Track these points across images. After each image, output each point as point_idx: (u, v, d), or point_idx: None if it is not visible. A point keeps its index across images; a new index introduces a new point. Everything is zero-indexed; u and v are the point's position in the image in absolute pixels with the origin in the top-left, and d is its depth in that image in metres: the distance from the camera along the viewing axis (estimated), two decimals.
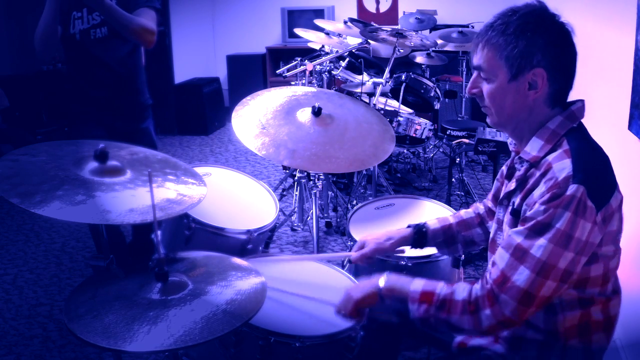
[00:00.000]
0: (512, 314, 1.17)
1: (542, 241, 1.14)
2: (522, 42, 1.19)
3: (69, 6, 2.32)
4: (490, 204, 1.58)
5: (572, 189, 1.12)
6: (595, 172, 1.17)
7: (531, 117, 1.25)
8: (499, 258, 1.20)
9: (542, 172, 1.19)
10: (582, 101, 1.26)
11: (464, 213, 1.63)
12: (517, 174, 1.29)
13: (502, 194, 1.37)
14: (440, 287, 1.27)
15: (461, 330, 1.25)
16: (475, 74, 1.30)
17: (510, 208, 1.28)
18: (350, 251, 1.89)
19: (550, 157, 1.20)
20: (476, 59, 1.27)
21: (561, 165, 1.16)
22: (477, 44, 1.27)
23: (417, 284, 1.30)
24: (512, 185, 1.30)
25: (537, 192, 1.18)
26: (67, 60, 2.50)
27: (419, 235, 1.62)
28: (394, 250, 1.65)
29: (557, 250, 1.13)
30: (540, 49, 1.19)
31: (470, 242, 1.61)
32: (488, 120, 1.32)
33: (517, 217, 1.23)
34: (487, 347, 1.37)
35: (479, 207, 1.62)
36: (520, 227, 1.18)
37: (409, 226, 1.65)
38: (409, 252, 1.71)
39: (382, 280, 1.36)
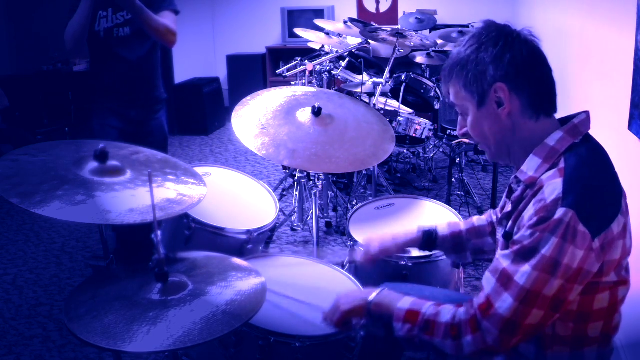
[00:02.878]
0: (494, 343, 1.11)
1: (526, 268, 1.08)
2: (472, 64, 1.16)
3: (96, 5, 2.44)
4: (500, 214, 1.55)
5: (560, 212, 1.05)
6: (590, 194, 1.08)
7: (516, 136, 1.19)
8: (485, 282, 1.16)
9: (533, 193, 1.13)
10: (586, 112, 1.19)
11: (477, 220, 1.57)
12: (514, 195, 1.24)
13: (501, 214, 1.32)
14: (427, 307, 1.21)
15: (444, 354, 1.19)
16: (459, 116, 1.27)
17: (502, 230, 1.24)
18: (350, 250, 1.89)
19: (544, 177, 1.13)
20: (450, 98, 1.26)
21: (552, 187, 1.09)
22: (444, 84, 1.25)
23: (405, 302, 1.25)
24: (509, 207, 1.25)
25: (526, 214, 1.12)
26: (90, 56, 2.66)
27: (428, 240, 1.59)
28: (399, 251, 1.63)
29: (542, 277, 1.06)
30: (490, 63, 1.14)
31: (479, 251, 1.56)
32: (487, 156, 1.29)
33: (508, 240, 1.18)
34: None
35: (493, 215, 1.56)
36: (507, 251, 1.13)
37: (419, 229, 1.61)
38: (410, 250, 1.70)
39: (373, 295, 1.31)
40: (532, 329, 1.10)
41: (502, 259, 1.13)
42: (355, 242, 1.90)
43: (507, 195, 1.32)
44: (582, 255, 1.06)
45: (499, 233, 1.31)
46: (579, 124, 1.18)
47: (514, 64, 1.14)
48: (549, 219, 1.06)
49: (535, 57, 1.17)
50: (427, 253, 1.72)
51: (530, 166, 1.17)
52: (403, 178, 4.50)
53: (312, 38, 4.05)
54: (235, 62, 6.82)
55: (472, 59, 1.16)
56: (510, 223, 1.20)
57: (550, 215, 1.06)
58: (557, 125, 1.20)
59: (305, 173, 3.38)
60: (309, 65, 3.39)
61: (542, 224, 1.07)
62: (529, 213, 1.11)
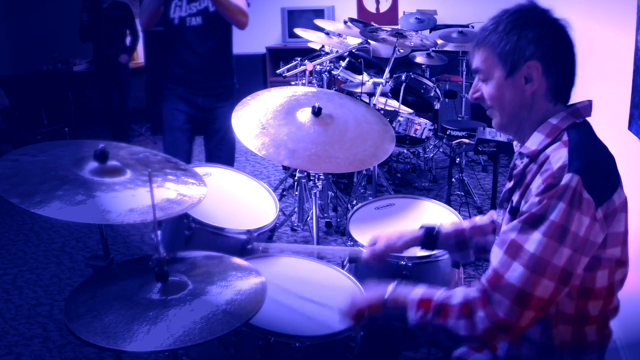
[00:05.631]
0: (506, 315, 1.11)
1: (536, 235, 1.09)
2: (514, 37, 1.19)
3: None
4: (498, 210, 1.55)
5: (566, 178, 1.09)
6: (593, 163, 1.12)
7: (532, 114, 1.24)
8: (493, 256, 1.17)
9: (539, 165, 1.17)
10: (589, 101, 1.24)
11: (479, 219, 1.59)
12: (516, 170, 1.27)
13: (501, 196, 1.34)
14: (439, 293, 1.22)
15: (458, 338, 1.18)
16: (476, 78, 1.30)
17: (509, 206, 1.26)
18: (350, 250, 1.89)
19: (548, 150, 1.17)
20: (474, 63, 1.28)
21: (557, 155, 1.13)
22: (473, 47, 1.28)
23: (417, 292, 1.26)
24: (511, 182, 1.28)
25: (534, 186, 1.15)
26: (164, 42, 2.84)
27: (429, 237, 1.58)
28: (403, 250, 1.61)
29: (552, 244, 1.08)
30: (532, 41, 1.19)
31: (482, 249, 1.56)
32: (493, 123, 1.31)
33: (515, 215, 1.19)
34: None
35: (494, 215, 1.56)
36: (514, 222, 1.15)
37: (421, 227, 1.61)
38: (410, 251, 1.69)
39: (389, 290, 1.31)
40: (543, 302, 1.10)
41: (509, 231, 1.15)
42: (355, 242, 1.90)
43: (508, 177, 1.35)
44: (588, 223, 1.08)
45: (500, 216, 1.33)
46: (581, 108, 1.23)
47: (553, 49, 1.19)
48: (556, 185, 1.09)
49: (571, 48, 1.22)
50: (427, 253, 1.72)
51: (533, 141, 1.23)
52: (403, 178, 4.50)
53: (312, 38, 4.05)
54: (235, 62, 6.80)
55: (514, 32, 1.20)
56: (517, 197, 1.22)
57: (557, 181, 1.09)
58: (562, 107, 1.24)
59: (305, 173, 3.38)
60: (309, 65, 3.39)
61: (550, 191, 1.10)
62: (537, 184, 1.14)
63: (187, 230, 1.82)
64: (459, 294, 1.19)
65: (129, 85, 5.70)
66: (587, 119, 1.24)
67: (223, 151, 2.95)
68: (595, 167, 1.12)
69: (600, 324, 1.20)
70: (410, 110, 3.93)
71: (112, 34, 5.45)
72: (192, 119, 2.87)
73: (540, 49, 1.19)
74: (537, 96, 1.22)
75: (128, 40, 5.64)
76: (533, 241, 1.10)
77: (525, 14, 1.21)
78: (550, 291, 1.10)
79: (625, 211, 1.17)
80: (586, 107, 1.23)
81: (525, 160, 1.24)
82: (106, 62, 5.48)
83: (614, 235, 1.15)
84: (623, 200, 1.16)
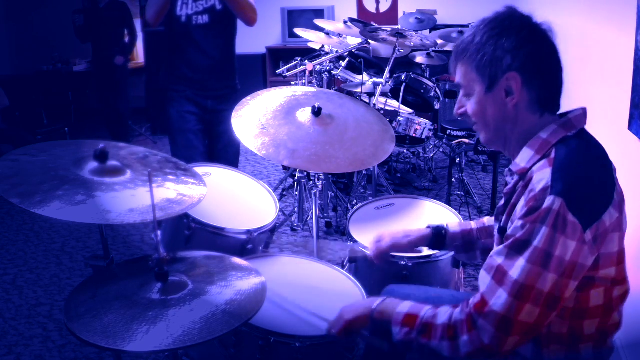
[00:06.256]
0: (490, 342, 1.09)
1: (520, 261, 1.06)
2: (490, 48, 1.15)
3: None
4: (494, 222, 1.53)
5: (548, 201, 1.04)
6: (579, 183, 1.06)
7: (517, 128, 1.19)
8: (481, 281, 1.14)
9: (525, 184, 1.12)
10: (582, 109, 1.19)
11: (487, 220, 1.56)
12: (506, 188, 1.23)
13: (496, 209, 1.31)
14: (425, 311, 1.20)
15: (442, 357, 1.16)
16: (460, 93, 1.26)
17: (497, 225, 1.24)
18: (350, 250, 1.89)
19: (535, 168, 1.12)
20: (456, 77, 1.24)
21: (540, 175, 1.08)
22: (453, 61, 1.24)
23: (404, 306, 1.24)
24: (502, 200, 1.25)
25: (519, 207, 1.11)
26: (169, 42, 2.77)
27: (437, 236, 1.56)
28: (411, 249, 1.59)
29: (535, 270, 1.04)
30: (509, 51, 1.14)
31: (489, 251, 1.54)
32: (480, 139, 1.28)
33: (502, 235, 1.17)
34: None
35: None
36: (501, 247, 1.12)
37: (428, 226, 1.59)
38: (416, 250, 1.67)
39: (376, 302, 1.29)
40: (528, 328, 1.08)
41: (495, 256, 1.12)
42: (355, 242, 1.90)
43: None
44: (574, 247, 1.04)
45: (495, 229, 1.30)
46: (573, 118, 1.18)
47: (532, 58, 1.14)
48: (538, 208, 1.05)
49: (553, 55, 1.17)
50: (427, 253, 1.72)
51: (523, 158, 1.18)
52: (403, 178, 4.50)
53: (312, 38, 4.05)
54: (236, 63, 6.81)
55: (491, 43, 1.15)
56: (504, 217, 1.19)
57: (539, 204, 1.05)
58: (553, 119, 1.20)
59: (305, 173, 3.38)
60: (309, 65, 3.39)
61: (532, 214, 1.06)
62: (520, 205, 1.11)
63: (187, 230, 1.82)
64: (443, 314, 1.17)
65: (126, 86, 5.66)
66: (584, 126, 1.19)
67: (229, 154, 2.92)
68: (581, 187, 1.07)
69: (596, 342, 1.16)
70: (410, 110, 3.93)
71: (109, 34, 5.41)
72: (203, 121, 2.82)
73: (518, 60, 1.14)
74: (520, 109, 1.17)
75: (127, 40, 5.63)
76: (517, 268, 1.07)
77: (501, 22, 1.16)
78: (535, 316, 1.07)
79: (619, 230, 1.12)
80: (579, 116, 1.18)
81: (515, 177, 1.20)
82: (104, 62, 5.46)
83: (607, 255, 1.10)
84: (615, 219, 1.10)
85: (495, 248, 1.15)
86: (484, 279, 1.13)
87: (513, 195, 1.19)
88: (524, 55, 1.14)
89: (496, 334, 1.08)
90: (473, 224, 1.58)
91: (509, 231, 1.12)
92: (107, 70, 5.48)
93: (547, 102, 1.18)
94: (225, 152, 2.91)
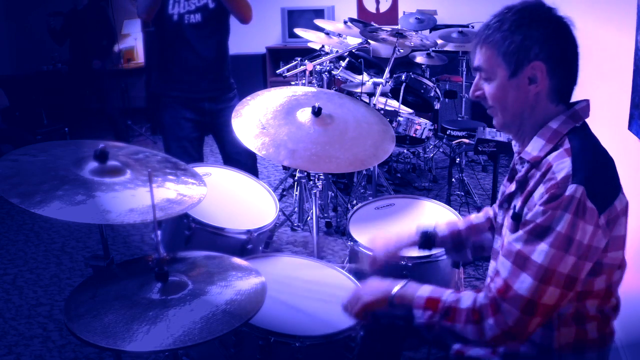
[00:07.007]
0: (515, 324, 1.13)
1: (543, 246, 1.11)
2: (519, 37, 1.18)
3: None
4: (497, 210, 1.55)
5: (571, 189, 1.09)
6: (596, 171, 1.13)
7: (534, 115, 1.23)
8: (501, 266, 1.18)
9: (542, 173, 1.17)
10: (586, 101, 1.24)
11: (474, 218, 1.60)
12: (518, 175, 1.27)
13: (501, 197, 1.34)
14: (447, 295, 1.24)
15: (465, 340, 1.21)
16: (477, 76, 1.28)
17: (511, 212, 1.26)
18: (350, 250, 1.89)
19: (550, 157, 1.17)
20: (476, 61, 1.26)
21: (561, 165, 1.13)
22: (475, 45, 1.26)
23: (424, 290, 1.27)
24: (513, 187, 1.28)
25: (537, 194, 1.15)
26: (160, 42, 2.71)
27: (427, 242, 1.61)
28: (401, 256, 1.64)
29: (558, 254, 1.10)
30: (537, 41, 1.17)
31: (479, 248, 1.58)
32: (494, 122, 1.30)
33: (518, 221, 1.20)
34: (484, 358, 1.34)
35: (489, 211, 1.58)
36: (520, 232, 1.16)
37: (418, 231, 1.62)
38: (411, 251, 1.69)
39: (396, 287, 1.32)
40: (549, 309, 1.13)
41: (515, 242, 1.16)
42: (355, 242, 1.90)
43: (509, 179, 1.35)
44: (592, 231, 1.10)
45: (500, 217, 1.33)
46: (579, 109, 1.23)
47: (558, 49, 1.19)
48: (560, 195, 1.10)
49: (575, 48, 1.21)
50: (427, 253, 1.72)
51: (534, 147, 1.22)
52: (403, 178, 4.50)
53: (312, 38, 4.05)
54: (235, 62, 6.78)
55: (520, 32, 1.18)
56: (519, 204, 1.22)
57: (561, 192, 1.10)
58: (562, 109, 1.24)
59: (305, 173, 3.38)
60: (309, 65, 3.38)
61: (554, 201, 1.11)
62: (540, 192, 1.14)
63: (187, 230, 1.82)
64: (467, 298, 1.21)
65: (110, 89, 5.60)
66: (587, 118, 1.23)
67: (242, 155, 2.70)
68: (599, 176, 1.13)
69: (600, 322, 1.21)
70: (410, 110, 3.93)
71: (87, 37, 5.36)
72: (200, 126, 2.76)
73: (545, 50, 1.18)
74: (541, 97, 1.22)
75: (104, 43, 5.55)
76: (540, 252, 1.11)
77: (530, 12, 1.19)
78: (556, 297, 1.12)
79: (625, 215, 1.18)
80: (584, 108, 1.23)
81: (527, 165, 1.24)
82: (81, 65, 5.41)
83: (616, 238, 1.16)
84: (624, 204, 1.17)
85: (513, 234, 1.19)
86: (504, 264, 1.17)
87: (527, 183, 1.22)
88: (552, 46, 1.18)
89: (521, 317, 1.13)
90: (460, 223, 1.60)
91: (527, 217, 1.15)
92: (84, 73, 5.43)
93: (564, 92, 1.23)
94: (238, 153, 2.74)
